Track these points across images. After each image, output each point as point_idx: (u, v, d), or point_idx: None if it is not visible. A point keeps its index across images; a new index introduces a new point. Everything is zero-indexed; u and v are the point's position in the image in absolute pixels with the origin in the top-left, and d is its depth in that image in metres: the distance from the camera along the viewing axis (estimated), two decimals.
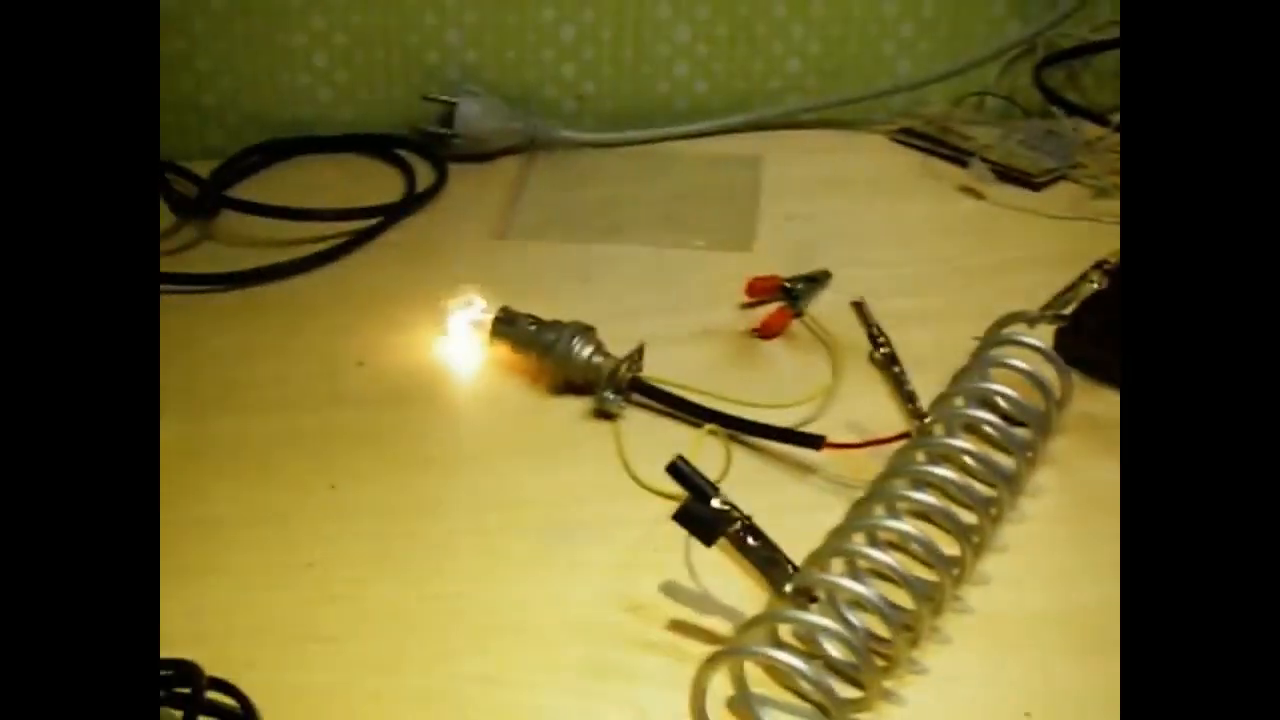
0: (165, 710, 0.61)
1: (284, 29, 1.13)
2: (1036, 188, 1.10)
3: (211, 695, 0.62)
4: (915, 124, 1.19)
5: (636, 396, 0.84)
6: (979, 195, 1.10)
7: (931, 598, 0.67)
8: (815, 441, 0.78)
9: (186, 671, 0.61)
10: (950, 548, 0.69)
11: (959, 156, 1.13)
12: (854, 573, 0.67)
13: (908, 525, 0.68)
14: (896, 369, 0.76)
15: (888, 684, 0.65)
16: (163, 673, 0.62)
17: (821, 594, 0.65)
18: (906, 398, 0.76)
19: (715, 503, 0.65)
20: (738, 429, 0.80)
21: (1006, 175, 1.11)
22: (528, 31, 1.15)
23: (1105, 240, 0.95)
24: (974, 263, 1.01)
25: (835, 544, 0.66)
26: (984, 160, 1.10)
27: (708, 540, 0.65)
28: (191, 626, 0.68)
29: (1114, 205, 1.07)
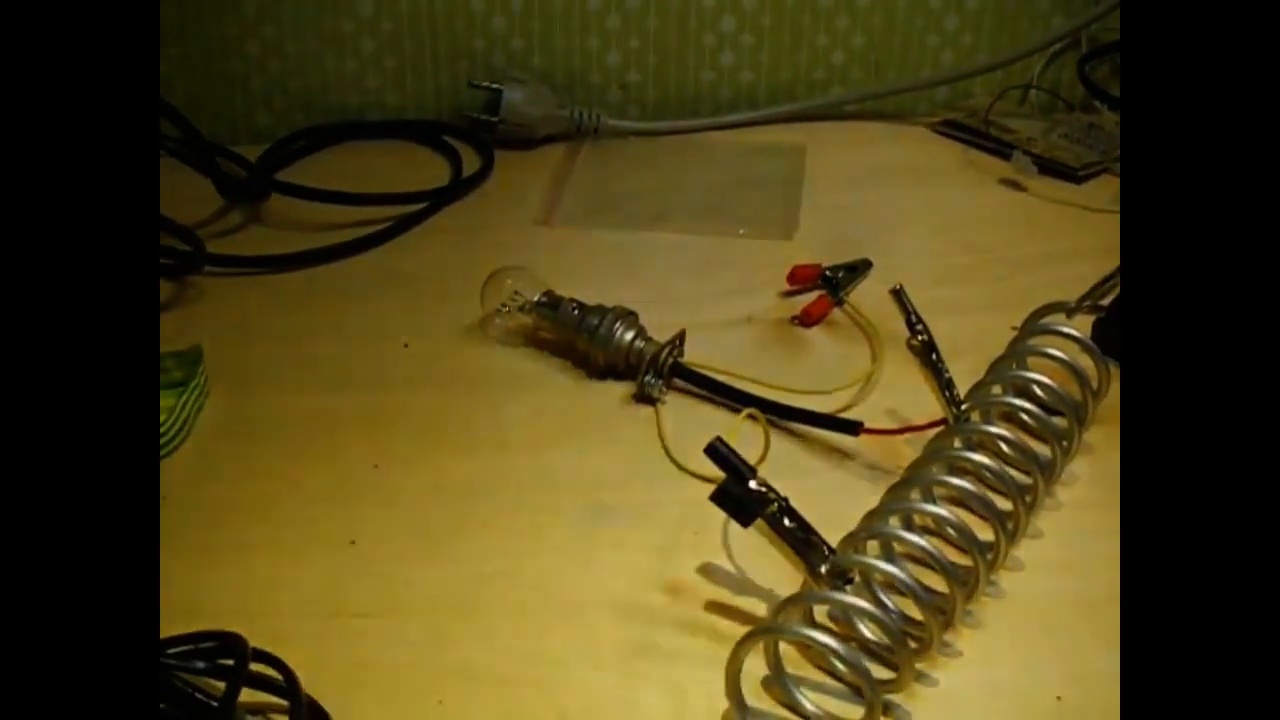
0: (208, 681, 0.62)
1: (332, 15, 1.15)
2: (1079, 180, 1.11)
3: (255, 667, 0.63)
4: (958, 116, 1.20)
5: (677, 381, 0.85)
6: (1021, 187, 1.10)
7: (965, 582, 0.67)
8: (853, 427, 0.79)
9: (231, 643, 0.63)
10: (984, 533, 0.70)
11: (1001, 149, 1.14)
12: (889, 555, 0.68)
13: (943, 510, 0.68)
14: (934, 356, 0.77)
15: (920, 665, 0.66)
16: (206, 644, 0.64)
17: (856, 576, 0.66)
18: (944, 385, 0.77)
19: (752, 484, 0.66)
20: (776, 414, 0.81)
21: (1048, 168, 1.11)
22: (574, 19, 1.16)
23: None
24: (1015, 254, 1.01)
25: (871, 527, 0.67)
26: (1026, 153, 1.11)
27: (744, 521, 0.66)
28: (235, 601, 0.70)
29: None
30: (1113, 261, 0.88)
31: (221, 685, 0.61)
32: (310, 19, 1.14)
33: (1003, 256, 1.01)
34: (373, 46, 1.16)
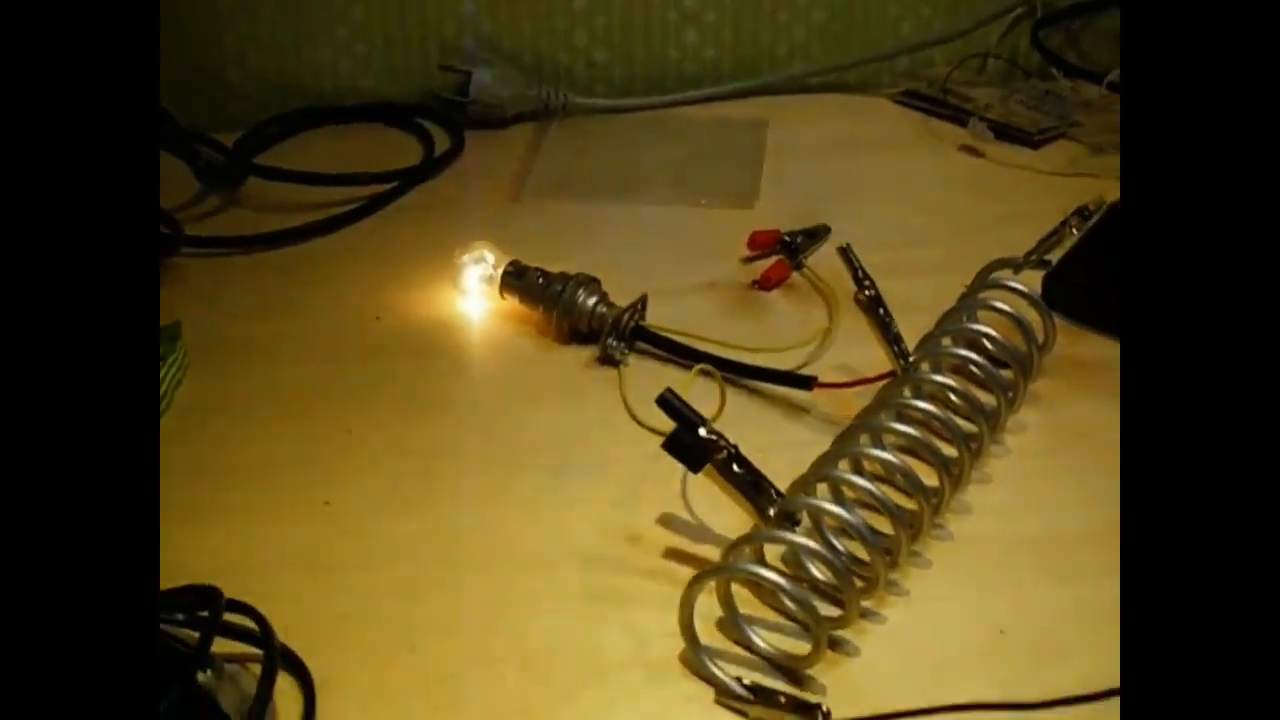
0: (187, 633, 0.65)
1: (307, 4, 1.17)
2: (1035, 145, 1.14)
3: (232, 618, 0.66)
4: (918, 86, 1.22)
5: (640, 344, 0.88)
6: (979, 153, 1.13)
7: (910, 524, 0.70)
8: (806, 382, 0.82)
9: (207, 595, 0.66)
10: (930, 479, 0.73)
11: (960, 116, 1.17)
12: (836, 498, 0.71)
13: (889, 454, 0.71)
14: (881, 310, 0.80)
15: (869, 603, 0.69)
16: (184, 598, 0.67)
17: (805, 518, 0.69)
18: (891, 339, 0.80)
19: (702, 432, 0.69)
20: (733, 372, 0.84)
21: (1005, 133, 1.14)
22: (540, 1, 1.19)
23: (1102, 195, 0.99)
24: (971, 217, 1.04)
25: (819, 471, 0.70)
26: (983, 119, 1.13)
27: (694, 467, 0.69)
28: (213, 561, 0.73)
29: (1110, 162, 1.10)
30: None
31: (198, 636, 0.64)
32: (283, 7, 1.17)
33: (959, 220, 1.04)
34: (345, 33, 1.19)
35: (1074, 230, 0.88)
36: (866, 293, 0.81)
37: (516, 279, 0.91)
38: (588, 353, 0.89)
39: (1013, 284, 0.84)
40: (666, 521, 0.75)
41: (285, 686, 0.66)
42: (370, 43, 1.20)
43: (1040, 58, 1.21)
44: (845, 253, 0.82)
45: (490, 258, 0.93)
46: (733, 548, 0.66)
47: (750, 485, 0.69)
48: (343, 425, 0.83)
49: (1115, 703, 0.60)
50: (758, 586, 0.69)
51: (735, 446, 0.70)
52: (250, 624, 0.66)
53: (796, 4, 1.21)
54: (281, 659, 0.66)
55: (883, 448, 0.72)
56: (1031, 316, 0.83)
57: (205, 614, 0.65)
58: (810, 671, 0.66)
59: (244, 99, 1.20)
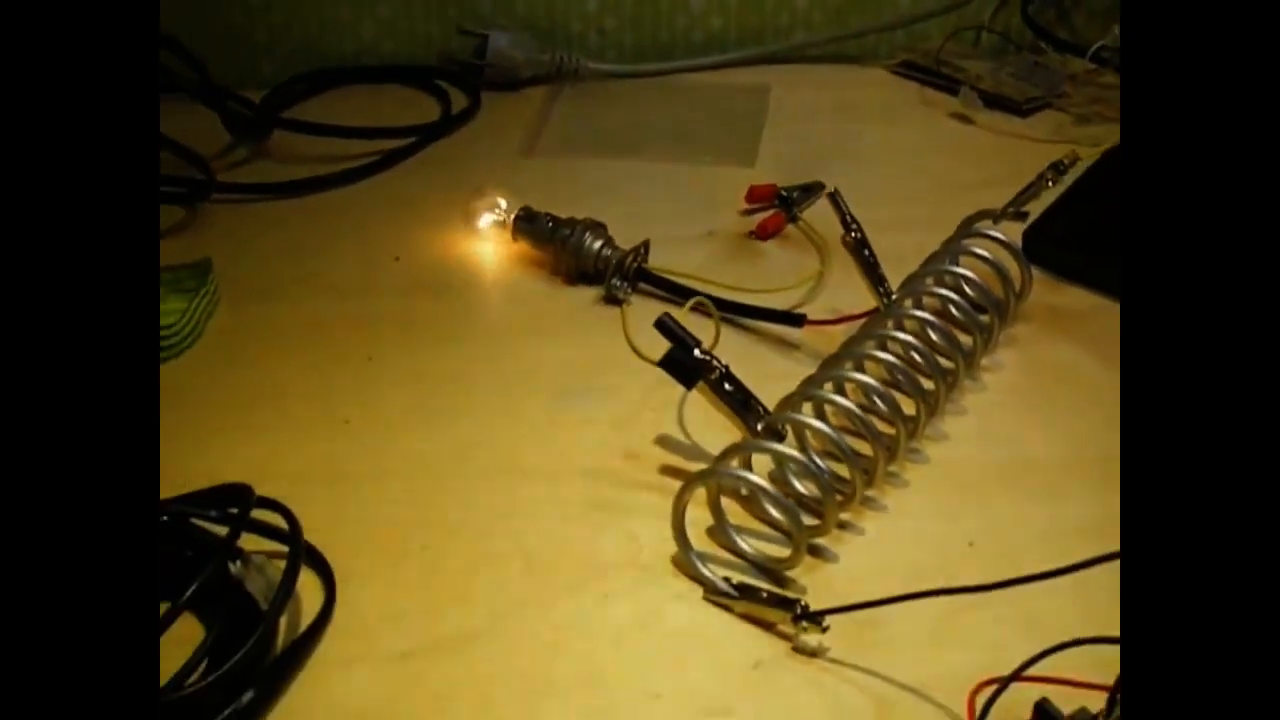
0: (219, 529, 0.71)
1: None
2: (1023, 114, 1.19)
3: (261, 516, 0.72)
4: (914, 58, 1.28)
5: (642, 285, 0.94)
6: (970, 121, 1.19)
7: (887, 445, 0.76)
8: (797, 320, 0.88)
9: (238, 492, 0.72)
10: (909, 406, 0.78)
11: (952, 86, 1.22)
12: (820, 416, 0.77)
13: (869, 378, 0.77)
14: (866, 252, 0.86)
15: (847, 516, 0.75)
16: (218, 496, 0.73)
17: (790, 432, 0.75)
18: (876, 280, 0.86)
19: (696, 353, 0.75)
20: (729, 311, 0.90)
21: (995, 102, 1.19)
22: None
23: (1083, 161, 1.04)
24: (959, 179, 1.10)
25: (804, 391, 0.76)
26: (974, 89, 1.19)
27: (688, 384, 0.75)
28: (244, 472, 0.77)
29: (1094, 130, 1.15)
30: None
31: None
32: None
33: (948, 181, 1.10)
34: None
35: (1049, 183, 0.94)
36: (853, 235, 0.87)
37: (527, 223, 0.97)
38: (593, 292, 0.95)
39: (992, 233, 0.89)
40: (662, 441, 0.81)
41: (309, 580, 0.72)
42: (392, 6, 1.25)
43: (1031, 32, 1.26)
44: (833, 197, 0.87)
45: (503, 204, 0.99)
46: (722, 456, 0.72)
47: (740, 402, 0.75)
48: (364, 353, 0.89)
49: (1065, 582, 0.65)
50: (745, 499, 0.75)
51: (726, 366, 0.75)
52: (279, 522, 0.72)
53: None
54: (306, 555, 0.71)
55: (864, 373, 0.78)
56: (1009, 263, 0.89)
57: (235, 510, 0.71)
58: (792, 574, 0.72)
59: (268, 59, 1.26)
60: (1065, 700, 0.60)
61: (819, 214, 1.03)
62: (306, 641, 0.68)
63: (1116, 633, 0.53)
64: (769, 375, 0.82)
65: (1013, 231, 0.93)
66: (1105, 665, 0.59)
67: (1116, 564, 0.55)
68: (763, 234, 1.00)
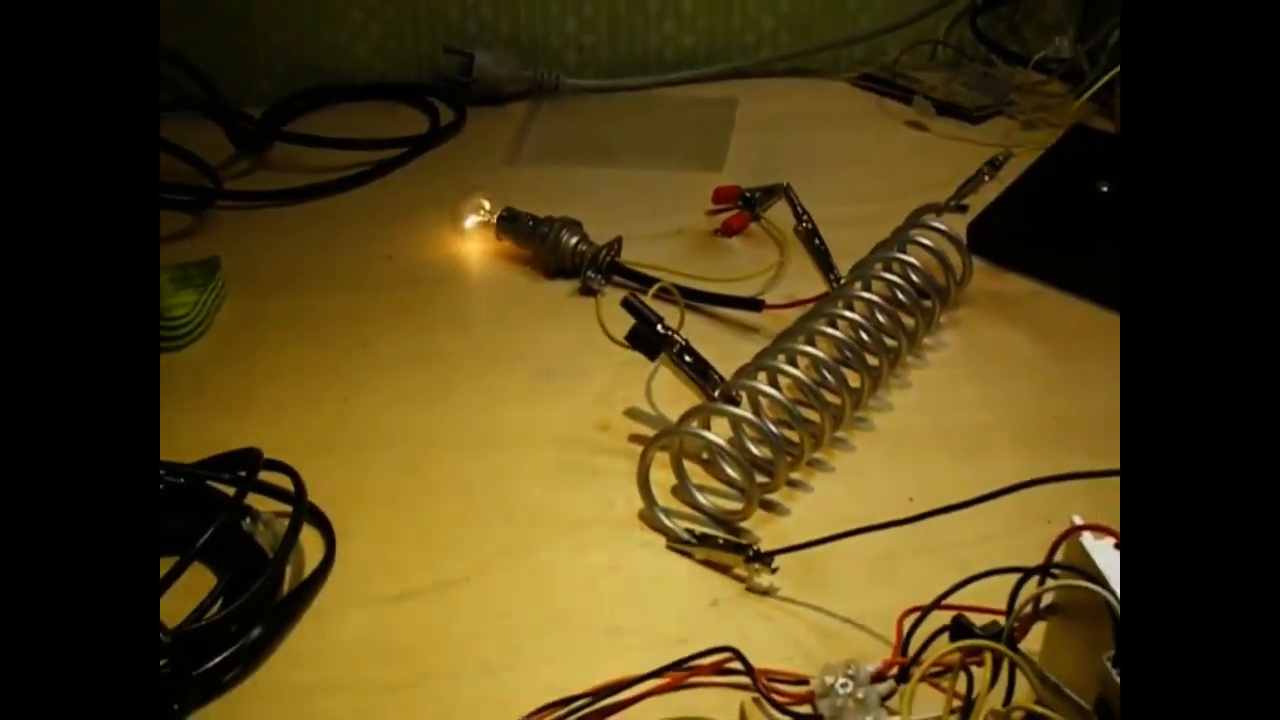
0: (228, 491, 0.79)
1: None
2: (974, 121, 1.27)
3: (268, 477, 0.80)
4: (873, 71, 1.36)
5: (615, 277, 1.02)
6: (924, 128, 1.27)
7: (833, 413, 0.84)
8: (756, 304, 0.96)
9: (247, 455, 0.80)
10: (854, 378, 0.87)
11: (908, 97, 1.30)
12: (773, 384, 0.85)
13: (817, 350, 0.85)
14: (817, 240, 0.94)
15: (798, 475, 0.83)
16: (230, 461, 0.81)
17: (744, 398, 0.83)
18: (826, 267, 0.94)
19: (659, 328, 0.83)
20: (693, 298, 0.98)
21: (947, 110, 1.28)
22: None
23: (1023, 160, 1.14)
24: (910, 180, 1.17)
25: (758, 362, 0.84)
26: (926, 97, 1.27)
27: (651, 355, 0.83)
28: (250, 444, 0.85)
29: (1039, 135, 1.23)
30: (996, 184, 1.06)
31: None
32: None
33: (902, 183, 1.17)
34: (360, 17, 1.33)
35: (986, 178, 1.03)
36: (804, 225, 0.95)
37: (510, 223, 1.05)
38: (570, 285, 1.03)
39: (935, 223, 0.97)
40: (632, 414, 0.89)
41: (311, 535, 0.80)
42: (384, 26, 1.34)
43: (978, 43, 1.35)
44: (786, 191, 0.96)
45: (487, 205, 1.07)
46: (683, 418, 0.80)
47: (699, 372, 0.83)
48: (360, 340, 0.97)
49: (992, 529, 0.73)
50: (706, 463, 0.83)
51: (686, 340, 0.84)
52: (286, 485, 0.80)
53: None
54: (308, 513, 0.80)
55: (813, 346, 0.86)
56: (950, 251, 0.97)
57: (244, 473, 0.79)
58: (747, 526, 0.80)
59: (268, 76, 1.34)
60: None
61: (781, 213, 1.11)
62: (309, 586, 0.76)
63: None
64: (732, 356, 0.90)
65: (957, 224, 1.01)
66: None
67: (1036, 507, 0.64)
68: (727, 231, 1.08)
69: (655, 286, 0.92)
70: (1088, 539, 0.60)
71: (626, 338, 0.83)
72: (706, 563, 0.78)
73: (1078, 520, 0.60)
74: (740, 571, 0.76)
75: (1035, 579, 0.61)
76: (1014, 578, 0.62)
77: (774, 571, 0.75)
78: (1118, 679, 0.55)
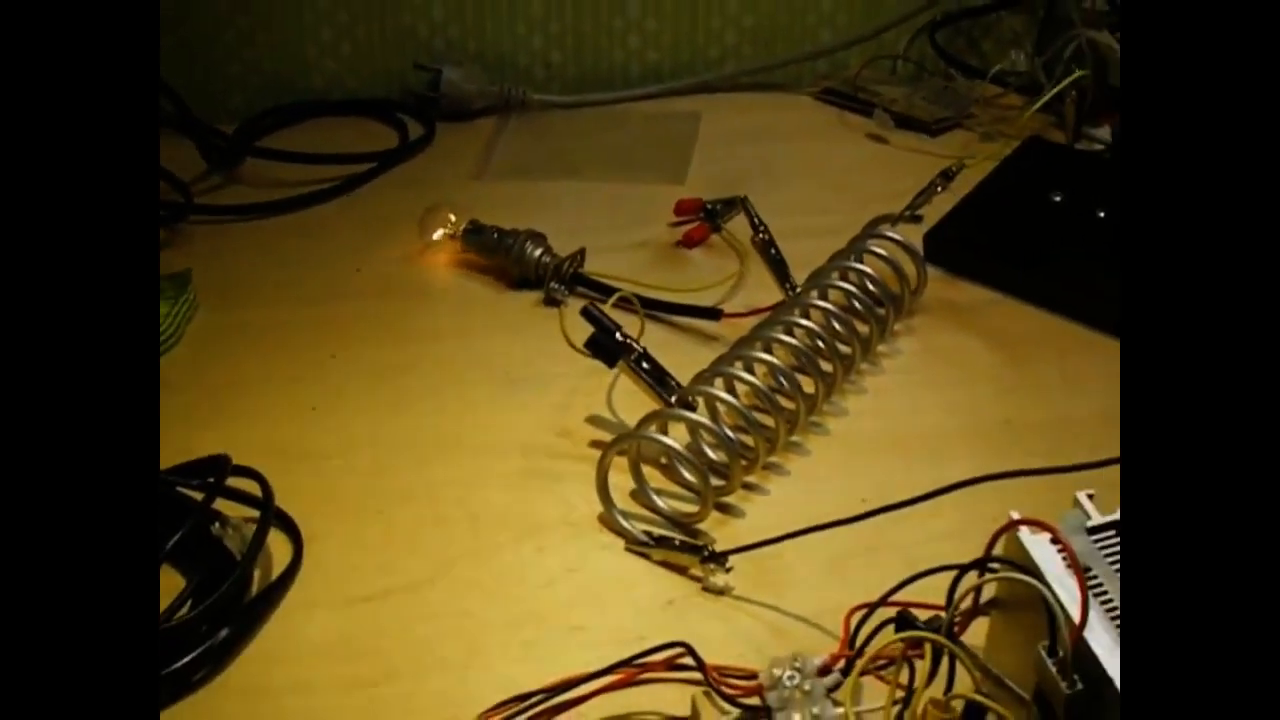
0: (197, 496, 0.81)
1: (296, 7, 1.34)
2: (933, 133, 1.30)
3: (236, 484, 0.82)
4: (835, 84, 1.39)
5: (578, 288, 1.04)
6: (884, 140, 1.30)
7: (788, 417, 0.86)
8: (714, 314, 0.98)
9: (216, 461, 0.82)
10: (808, 384, 0.89)
11: (869, 110, 1.33)
12: (729, 390, 0.87)
13: (773, 358, 0.87)
14: (773, 250, 0.96)
15: (754, 479, 0.85)
16: (200, 467, 0.83)
17: (700, 404, 0.85)
18: (782, 275, 0.96)
19: (618, 336, 0.86)
20: (653, 308, 1.00)
21: (906, 123, 1.30)
22: (503, 7, 1.36)
23: (976, 172, 1.17)
24: (869, 191, 1.20)
25: (714, 368, 0.86)
26: (886, 110, 1.30)
27: (610, 362, 0.86)
28: (220, 451, 0.88)
29: (996, 147, 1.26)
30: (953, 194, 1.08)
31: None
32: (278, 11, 1.34)
33: (862, 194, 1.19)
34: (330, 34, 1.35)
35: (939, 189, 1.05)
36: (761, 236, 0.98)
37: (475, 235, 1.07)
38: (535, 296, 1.05)
39: (890, 233, 1.00)
40: (593, 421, 0.92)
41: (279, 539, 0.82)
42: (353, 43, 1.36)
43: (938, 57, 1.37)
44: (744, 203, 0.98)
45: (453, 218, 1.09)
46: (641, 423, 0.83)
47: (656, 379, 0.86)
48: (328, 351, 0.99)
49: (942, 529, 0.76)
50: (664, 468, 0.86)
51: (645, 348, 0.86)
52: (254, 490, 0.82)
53: (728, 11, 1.38)
54: (276, 517, 0.82)
55: (769, 352, 0.88)
56: (905, 260, 0.99)
57: (212, 479, 0.81)
58: (704, 528, 0.82)
59: (240, 92, 1.36)
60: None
61: (742, 225, 1.13)
62: (277, 589, 0.78)
63: None
64: (692, 364, 0.92)
65: (913, 234, 1.04)
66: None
67: (986, 507, 0.67)
68: (689, 243, 1.11)
69: (615, 296, 0.94)
70: (1025, 534, 0.62)
71: (585, 345, 0.85)
72: (664, 563, 0.80)
73: (1015, 515, 0.62)
74: (696, 572, 0.78)
75: (974, 573, 0.63)
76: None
77: (728, 571, 0.77)
78: (1053, 669, 0.57)
